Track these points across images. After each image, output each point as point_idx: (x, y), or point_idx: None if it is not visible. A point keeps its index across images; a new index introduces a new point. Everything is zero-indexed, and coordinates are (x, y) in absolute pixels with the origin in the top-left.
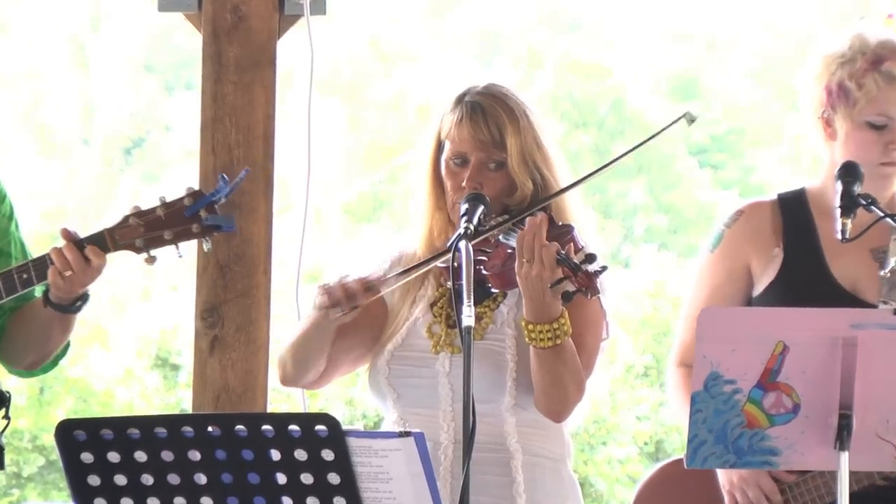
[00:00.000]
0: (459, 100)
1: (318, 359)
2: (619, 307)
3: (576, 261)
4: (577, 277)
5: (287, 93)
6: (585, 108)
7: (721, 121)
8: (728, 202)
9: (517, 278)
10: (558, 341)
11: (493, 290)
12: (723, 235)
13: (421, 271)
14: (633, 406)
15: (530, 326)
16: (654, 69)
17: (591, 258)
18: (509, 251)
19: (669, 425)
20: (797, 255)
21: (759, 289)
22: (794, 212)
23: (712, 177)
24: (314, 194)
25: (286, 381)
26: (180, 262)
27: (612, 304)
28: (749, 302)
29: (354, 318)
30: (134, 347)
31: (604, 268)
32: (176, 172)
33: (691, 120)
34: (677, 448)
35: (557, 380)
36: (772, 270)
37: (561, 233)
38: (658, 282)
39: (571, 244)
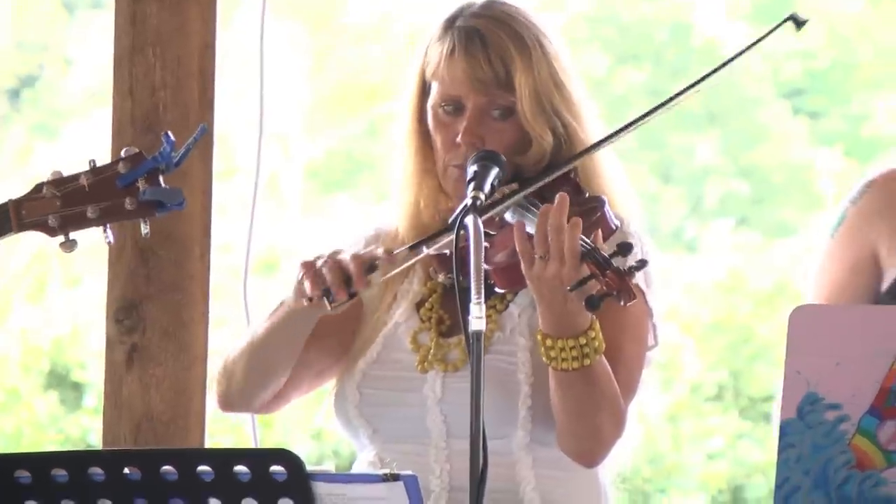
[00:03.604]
0: (449, 24)
1: (285, 368)
2: (682, 305)
3: (605, 253)
4: (606, 277)
5: (232, 15)
6: (637, 35)
7: (822, 52)
8: (831, 162)
9: (527, 280)
10: (587, 361)
11: (498, 289)
12: (846, 215)
13: (431, 250)
14: (703, 440)
15: (549, 342)
16: None
17: (624, 248)
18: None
19: (751, 464)
20: None
21: (887, 281)
22: None
23: (810, 128)
24: (268, 153)
25: (229, 401)
26: (84, 245)
27: (663, 300)
28: (877, 301)
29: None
30: (19, 360)
31: (642, 262)
32: (79, 123)
33: (800, 23)
34: (762, 496)
35: (587, 412)
36: None
37: (587, 209)
38: (735, 271)
39: (600, 228)
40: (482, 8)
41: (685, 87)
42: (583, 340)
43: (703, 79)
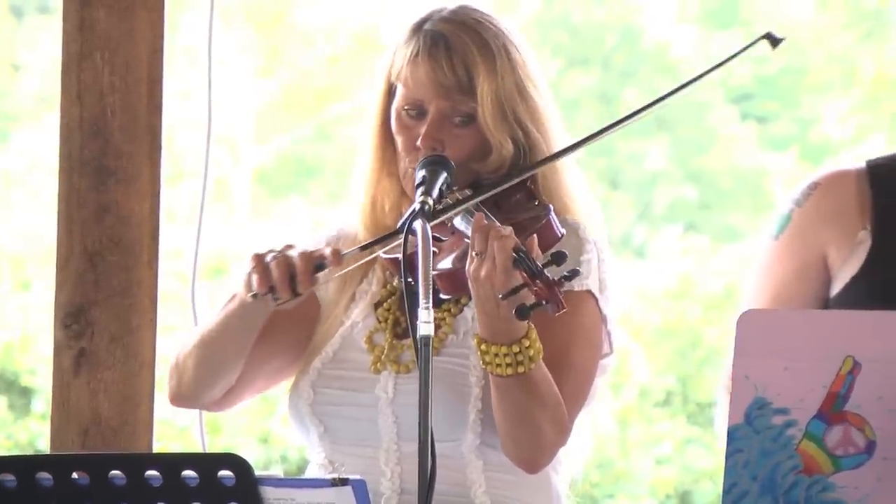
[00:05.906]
0: (417, 28)
1: (236, 362)
2: (632, 310)
3: (539, 263)
4: (536, 286)
5: (180, 19)
6: (586, 38)
7: (771, 57)
8: (781, 167)
9: (468, 279)
10: (521, 369)
11: (442, 294)
12: (791, 216)
13: (384, 253)
14: (651, 445)
15: (483, 346)
16: None
17: (557, 258)
18: (468, 241)
19: (699, 470)
20: (891, 241)
21: (837, 286)
22: (889, 184)
23: (759, 133)
24: (217, 157)
25: (180, 395)
26: (34, 249)
27: (617, 306)
28: (825, 305)
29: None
30: None
31: (573, 272)
32: (29, 128)
33: (775, 42)
34: (710, 501)
35: (525, 417)
36: (855, 261)
37: (530, 217)
38: (684, 276)
39: (536, 236)
40: (451, 13)
41: (650, 101)
42: (516, 349)
43: (669, 94)
